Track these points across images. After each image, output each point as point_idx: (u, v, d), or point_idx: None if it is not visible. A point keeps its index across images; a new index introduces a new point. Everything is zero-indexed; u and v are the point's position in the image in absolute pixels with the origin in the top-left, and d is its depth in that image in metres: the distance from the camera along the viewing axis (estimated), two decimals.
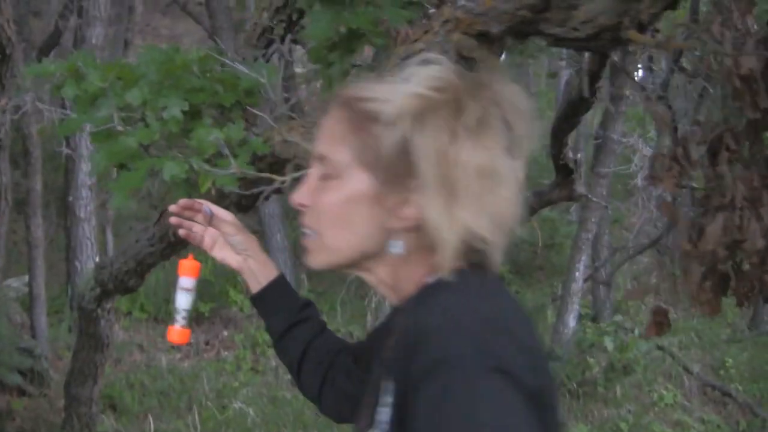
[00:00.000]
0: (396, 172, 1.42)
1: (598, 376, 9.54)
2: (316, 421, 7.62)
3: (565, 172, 5.25)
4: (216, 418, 7.42)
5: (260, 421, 7.33)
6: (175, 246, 4.38)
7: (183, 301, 2.01)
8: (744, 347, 11.11)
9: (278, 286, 2.02)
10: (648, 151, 9.04)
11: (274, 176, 2.59)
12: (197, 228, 2.00)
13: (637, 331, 9.84)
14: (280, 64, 3.55)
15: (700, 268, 3.02)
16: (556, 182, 5.46)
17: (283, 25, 3.42)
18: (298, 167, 2.90)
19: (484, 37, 1.89)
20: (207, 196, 2.89)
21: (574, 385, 9.37)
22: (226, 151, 2.78)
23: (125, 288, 5.08)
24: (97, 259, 8.69)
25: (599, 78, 4.38)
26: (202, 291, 10.00)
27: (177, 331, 2.02)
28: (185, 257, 2.03)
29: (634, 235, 10.95)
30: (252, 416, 7.26)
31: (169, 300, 9.79)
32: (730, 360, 10.51)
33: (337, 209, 1.48)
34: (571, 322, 10.34)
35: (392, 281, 1.51)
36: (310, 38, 2.77)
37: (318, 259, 1.55)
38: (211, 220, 1.98)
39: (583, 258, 10.17)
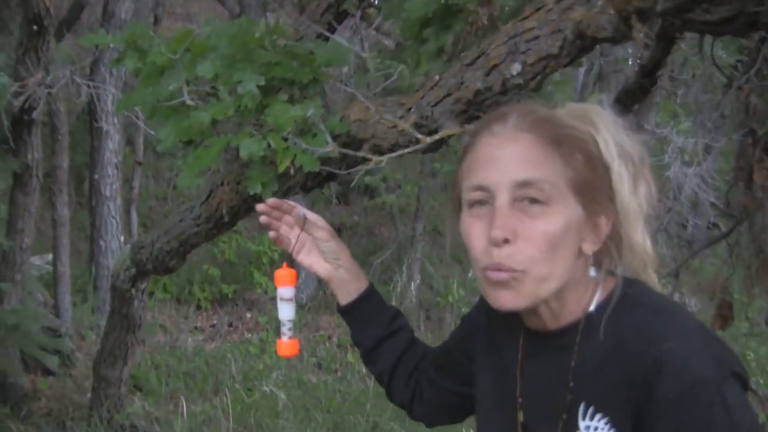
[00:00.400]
0: (594, 199, 1.43)
1: None
2: (342, 405, 7.53)
3: None
4: (244, 401, 7.29)
5: (291, 405, 7.21)
6: (223, 227, 4.27)
7: (287, 312, 1.97)
8: (764, 341, 10.99)
9: (369, 297, 1.96)
10: (680, 143, 8.89)
11: (370, 155, 2.45)
12: (284, 230, 1.93)
13: None
14: (353, 40, 3.40)
15: None
16: None
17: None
18: (376, 148, 2.77)
19: (638, 15, 1.74)
20: (284, 175, 2.77)
21: None
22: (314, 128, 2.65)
23: (165, 268, 4.96)
24: (122, 239, 8.57)
25: (661, 66, 4.23)
26: (225, 273, 9.90)
27: (286, 344, 1.98)
28: (280, 266, 1.96)
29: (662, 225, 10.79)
30: (284, 400, 7.13)
31: (192, 281, 9.69)
32: (751, 353, 10.38)
33: (553, 236, 1.40)
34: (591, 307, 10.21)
35: (559, 307, 1.47)
36: (399, 14, 2.61)
37: (522, 296, 1.43)
38: (303, 224, 1.90)
39: None
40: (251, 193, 2.85)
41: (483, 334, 1.70)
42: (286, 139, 2.67)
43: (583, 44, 2.12)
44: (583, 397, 1.41)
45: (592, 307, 1.44)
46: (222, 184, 3.78)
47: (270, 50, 2.91)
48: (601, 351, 1.39)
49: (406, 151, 2.45)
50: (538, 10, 2.21)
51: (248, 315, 9.98)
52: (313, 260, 1.93)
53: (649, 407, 1.30)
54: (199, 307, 9.88)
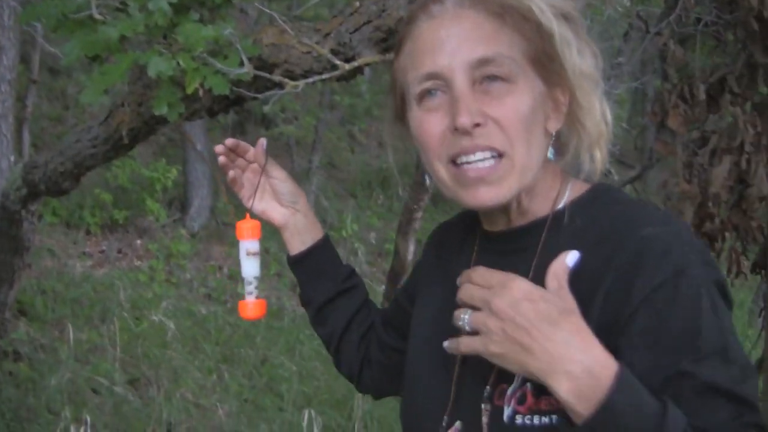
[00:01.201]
0: (551, 70, 1.31)
1: None
2: (232, 337, 7.49)
3: None
4: (132, 330, 7.19)
5: (179, 335, 7.13)
6: (121, 149, 4.13)
7: (251, 268, 1.75)
8: None
9: (324, 247, 1.81)
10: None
11: (285, 80, 2.37)
12: (238, 173, 1.80)
13: None
14: None
15: (691, 209, 2.96)
16: None
17: None
18: (289, 73, 2.70)
19: None
20: (191, 97, 2.68)
21: None
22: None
23: (58, 190, 4.78)
24: (12, 158, 8.27)
25: None
26: (117, 198, 9.68)
27: (252, 305, 1.76)
28: (242, 218, 1.76)
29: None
30: (172, 330, 7.05)
31: (83, 205, 9.44)
32: None
33: (526, 116, 1.28)
34: None
35: (528, 201, 1.36)
36: None
37: (507, 187, 1.29)
38: (266, 161, 1.75)
39: None
40: (157, 113, 2.75)
41: (431, 266, 1.60)
42: (196, 59, 2.57)
43: None
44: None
45: (561, 204, 1.35)
46: (122, 104, 3.65)
47: None
48: (567, 247, 1.25)
49: (321, 77, 2.39)
50: None
51: (138, 242, 9.79)
52: (266, 205, 1.79)
53: (626, 301, 1.18)
54: (88, 233, 9.64)
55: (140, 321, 7.53)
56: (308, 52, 2.65)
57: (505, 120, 1.26)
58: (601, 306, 1.19)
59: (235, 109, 4.18)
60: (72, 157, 4.39)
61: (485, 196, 1.28)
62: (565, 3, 1.32)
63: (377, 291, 8.81)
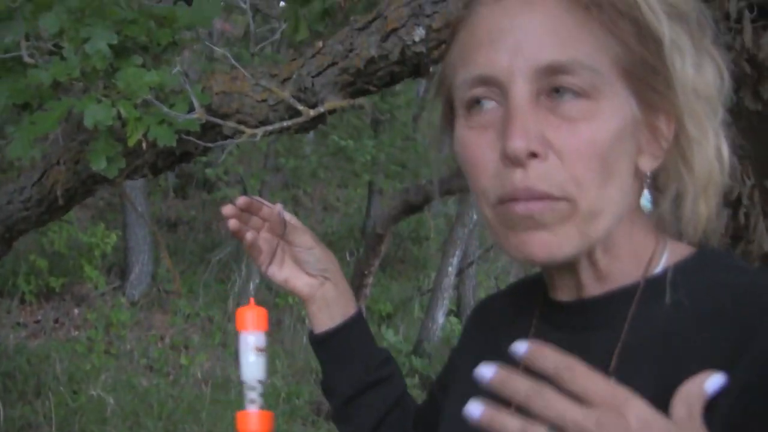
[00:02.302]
0: (653, 88, 0.95)
1: None
2: (175, 411, 7.15)
3: None
4: (68, 405, 6.81)
5: (119, 410, 6.76)
6: (56, 211, 3.85)
7: (255, 368, 1.37)
8: None
9: (356, 326, 1.46)
10: None
11: (243, 128, 2.11)
12: (251, 235, 1.42)
13: None
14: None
15: None
16: (458, 171, 5.21)
17: None
18: (242, 124, 2.45)
19: None
20: (132, 152, 2.44)
21: None
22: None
23: None
24: None
25: None
26: (53, 265, 9.31)
27: (255, 418, 1.35)
28: (245, 304, 1.41)
29: None
30: (112, 405, 6.67)
31: (17, 272, 9.04)
32: None
33: (604, 151, 0.92)
34: (440, 317, 10.20)
35: (607, 263, 1.00)
36: None
37: (565, 241, 0.93)
38: (285, 226, 1.41)
39: (457, 252, 10.00)
40: (94, 168, 2.47)
41: (473, 343, 1.26)
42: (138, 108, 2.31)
43: None
44: (636, 387, 0.86)
45: (658, 269, 1.00)
46: (58, 162, 3.38)
47: (125, 7, 2.54)
48: (669, 327, 0.94)
49: (283, 124, 2.12)
50: None
51: (76, 311, 9.38)
52: (289, 273, 1.44)
53: (763, 405, 0.83)
54: (23, 301, 9.20)
55: (77, 395, 7.14)
56: (263, 101, 2.41)
57: (574, 153, 0.92)
58: (732, 404, 0.85)
59: (179, 168, 3.93)
60: (3, 220, 4.09)
61: (535, 242, 0.94)
62: (686, 3, 0.97)
63: None
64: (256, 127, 2.40)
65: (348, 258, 11.35)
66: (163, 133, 2.29)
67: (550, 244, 0.93)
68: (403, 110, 11.66)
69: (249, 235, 1.41)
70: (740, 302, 0.89)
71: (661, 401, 0.84)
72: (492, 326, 1.22)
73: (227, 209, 1.41)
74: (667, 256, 1.00)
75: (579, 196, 0.91)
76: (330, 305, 1.44)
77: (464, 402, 1.09)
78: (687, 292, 0.95)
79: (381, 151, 10.88)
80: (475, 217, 9.96)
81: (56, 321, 9.15)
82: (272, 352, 8.78)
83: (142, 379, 7.90)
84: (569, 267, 1.00)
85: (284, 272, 1.43)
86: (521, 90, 0.91)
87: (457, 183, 5.58)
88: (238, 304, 9.45)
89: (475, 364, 1.14)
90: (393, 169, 11.71)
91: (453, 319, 10.76)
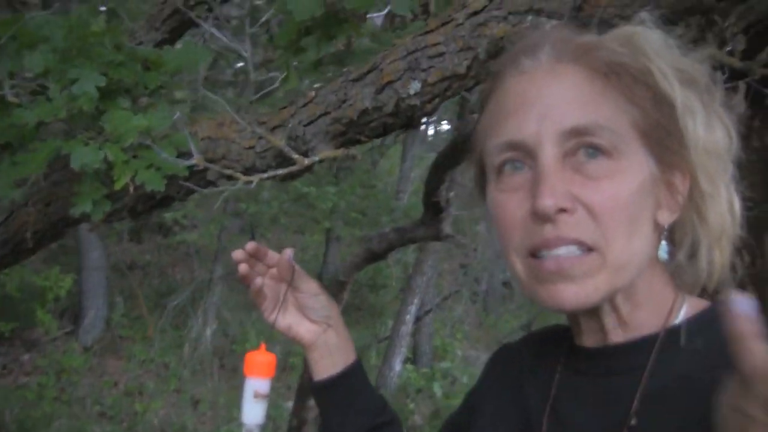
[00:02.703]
0: (668, 147, 1.03)
1: (421, 422, 9.38)
2: None
3: (434, 211, 5.05)
4: None
5: None
6: (22, 254, 3.78)
7: (257, 413, 1.43)
8: None
9: (357, 372, 1.50)
10: None
11: (238, 175, 2.10)
12: (260, 280, 1.45)
13: (465, 379, 9.76)
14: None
15: None
16: (422, 220, 5.22)
17: (205, 6, 2.94)
18: (226, 170, 2.43)
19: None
20: (115, 195, 2.42)
21: None
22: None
23: None
24: None
25: None
26: (3, 309, 9.15)
27: None
28: (255, 348, 1.46)
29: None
30: None
31: None
32: None
33: (629, 203, 1.00)
34: (398, 365, 10.19)
35: (629, 311, 1.07)
36: (287, 16, 2.28)
37: (594, 287, 1.00)
38: (293, 274, 1.44)
39: (415, 300, 10.01)
40: (78, 212, 2.44)
41: (495, 388, 1.30)
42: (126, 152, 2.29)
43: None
44: (652, 428, 1.00)
45: (678, 320, 1.06)
46: (26, 204, 3.33)
47: (110, 49, 2.53)
48: (688, 377, 1.00)
49: (280, 171, 2.12)
50: (444, 24, 1.94)
51: (26, 357, 9.22)
52: (292, 320, 1.47)
53: None
54: None
55: None
56: (250, 147, 2.40)
57: (600, 207, 0.99)
58: None
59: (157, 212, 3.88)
60: None
61: (565, 294, 1.00)
62: (692, 66, 1.06)
63: (283, 407, 8.44)
64: (244, 173, 2.40)
65: None
66: (151, 177, 2.27)
67: (578, 295, 1.00)
68: (365, 158, 11.74)
69: (258, 281, 1.44)
70: None
71: None
72: (514, 372, 1.26)
73: (238, 254, 1.43)
74: (686, 308, 1.07)
75: (607, 248, 0.99)
76: (332, 352, 1.47)
77: None
78: (705, 342, 1.00)
79: (342, 198, 10.93)
80: (430, 264, 10.00)
81: (4, 367, 9.01)
82: (231, 398, 8.71)
83: (96, 427, 7.80)
84: (594, 313, 1.06)
85: (287, 319, 1.46)
86: (549, 153, 1.00)
87: (420, 232, 5.57)
88: (194, 350, 9.36)
89: (498, 408, 1.22)
90: (353, 216, 11.75)
91: (409, 367, 10.77)
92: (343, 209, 11.30)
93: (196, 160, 2.06)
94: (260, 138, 2.38)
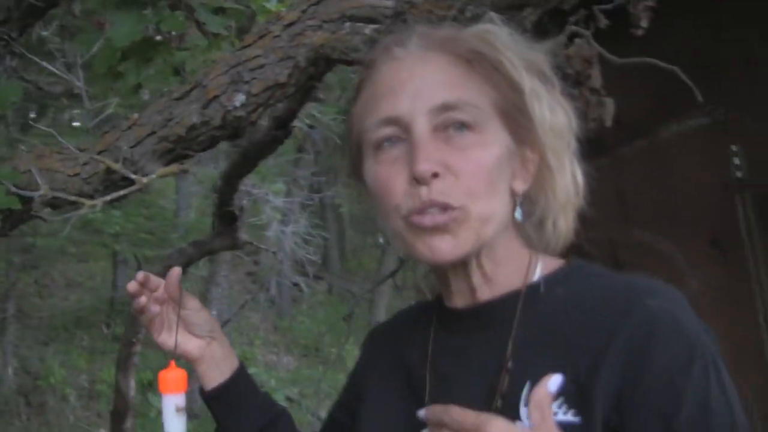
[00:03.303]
0: (521, 125, 1.22)
1: None
2: None
3: (228, 220, 5.10)
4: None
5: None
6: None
7: (179, 426, 1.49)
8: None
9: (244, 376, 1.60)
10: (281, 203, 9.14)
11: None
12: (155, 307, 1.52)
13: (273, 382, 9.86)
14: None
15: None
16: (218, 231, 5.27)
17: (3, 43, 2.94)
18: (54, 200, 2.48)
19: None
20: None
21: None
22: None
23: None
24: None
25: (296, 116, 4.24)
26: None
27: None
28: (164, 366, 1.51)
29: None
30: None
31: None
32: None
33: (488, 171, 1.18)
34: None
35: (492, 269, 1.24)
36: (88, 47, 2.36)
37: (464, 241, 1.17)
38: (180, 293, 1.51)
39: (214, 312, 10.04)
40: None
41: (376, 364, 1.46)
42: None
43: (316, 70, 2.05)
44: (526, 377, 1.15)
45: (535, 277, 1.24)
46: None
47: None
48: (551, 323, 1.18)
49: (120, 193, 2.21)
50: (262, 37, 2.10)
51: None
52: (180, 338, 1.53)
53: (639, 378, 1.08)
54: None
55: None
56: (75, 174, 2.46)
57: (466, 172, 1.17)
58: (607, 380, 1.10)
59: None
60: None
61: (441, 245, 1.17)
62: (538, 57, 1.26)
63: None
64: (69, 201, 2.45)
65: (105, 330, 11.08)
66: None
67: (452, 245, 1.17)
68: None
69: (153, 308, 1.51)
70: (608, 299, 1.16)
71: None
72: (392, 345, 1.42)
73: (132, 286, 1.51)
74: (541, 266, 1.26)
75: (471, 205, 1.17)
76: (218, 362, 1.56)
77: (378, 416, 1.35)
78: (564, 293, 1.21)
79: (128, 221, 10.77)
80: (224, 275, 10.05)
81: None
82: None
83: None
84: (463, 270, 1.24)
85: (173, 338, 1.53)
86: (422, 126, 1.17)
87: (217, 243, 5.64)
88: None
89: (383, 380, 1.41)
90: (141, 237, 11.59)
91: None
92: (131, 231, 11.15)
93: (44, 190, 2.11)
94: (84, 164, 2.45)
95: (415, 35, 1.25)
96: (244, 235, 5.27)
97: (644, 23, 2.35)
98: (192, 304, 1.54)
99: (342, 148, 1.41)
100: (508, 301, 1.24)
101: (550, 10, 2.10)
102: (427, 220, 1.16)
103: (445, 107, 1.18)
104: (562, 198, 1.26)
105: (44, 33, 3.71)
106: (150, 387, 10.54)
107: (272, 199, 9.00)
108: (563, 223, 1.27)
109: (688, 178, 2.96)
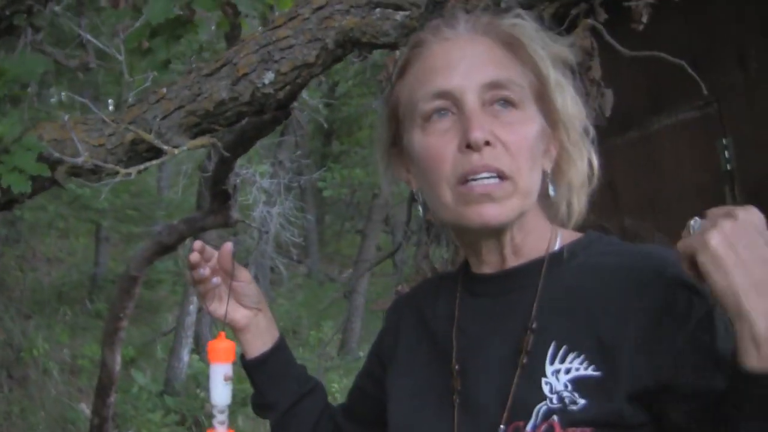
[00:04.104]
0: (550, 109, 1.33)
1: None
2: None
3: (222, 198, 5.16)
4: None
5: None
6: None
7: (223, 395, 1.53)
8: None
9: (285, 348, 1.67)
10: (267, 184, 9.19)
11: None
12: (216, 279, 1.58)
13: None
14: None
15: None
16: (211, 209, 5.34)
17: (24, 15, 3.04)
18: (75, 169, 2.59)
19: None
20: None
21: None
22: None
23: None
24: None
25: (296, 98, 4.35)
26: None
27: None
28: (214, 337, 1.56)
29: None
30: None
31: None
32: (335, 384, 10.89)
33: (532, 145, 1.28)
34: (185, 356, 10.26)
35: (521, 239, 1.34)
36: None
37: (511, 207, 1.26)
38: (233, 267, 1.56)
39: None
40: None
41: (403, 331, 1.52)
42: None
43: (343, 52, 2.17)
44: (551, 337, 1.25)
45: (556, 246, 1.34)
46: None
47: None
48: (573, 287, 1.28)
49: (152, 162, 2.32)
50: (291, 18, 2.22)
51: None
52: (231, 308, 1.58)
53: (679, 332, 1.16)
54: None
55: None
56: (101, 145, 2.56)
57: (513, 145, 1.25)
58: (635, 340, 1.18)
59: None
60: None
61: (490, 212, 1.25)
62: (563, 50, 1.37)
63: (77, 410, 8.39)
64: (92, 171, 2.56)
65: (89, 305, 11.16)
66: (16, 179, 2.39)
67: (501, 212, 1.26)
68: None
69: (215, 279, 1.56)
70: (628, 267, 1.26)
71: (574, 341, 1.23)
72: (417, 312, 1.50)
73: (195, 257, 1.54)
74: (561, 237, 1.37)
75: (518, 177, 1.26)
76: (263, 332, 1.63)
77: (409, 381, 1.42)
78: (584, 261, 1.32)
79: (117, 197, 10.84)
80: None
81: None
82: (25, 407, 8.52)
83: None
84: (497, 239, 1.32)
85: (224, 306, 1.59)
86: (473, 100, 1.26)
87: (210, 220, 5.68)
88: None
89: (410, 346, 1.48)
90: (129, 214, 11.65)
91: (194, 356, 10.83)
92: (118, 207, 11.21)
93: (85, 158, 2.22)
94: (110, 135, 2.56)
95: (462, 19, 1.36)
96: (236, 214, 5.37)
97: (644, 19, 2.50)
98: (243, 276, 1.61)
99: (379, 124, 1.48)
100: (533, 267, 1.33)
101: (565, 4, 2.24)
102: (479, 188, 1.25)
103: (494, 85, 1.27)
104: (578, 180, 1.37)
105: (56, 8, 3.79)
106: (132, 363, 10.63)
107: (258, 180, 9.07)
108: (576, 204, 1.38)
109: (678, 170, 3.09)
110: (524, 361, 1.25)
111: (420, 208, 1.40)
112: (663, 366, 1.16)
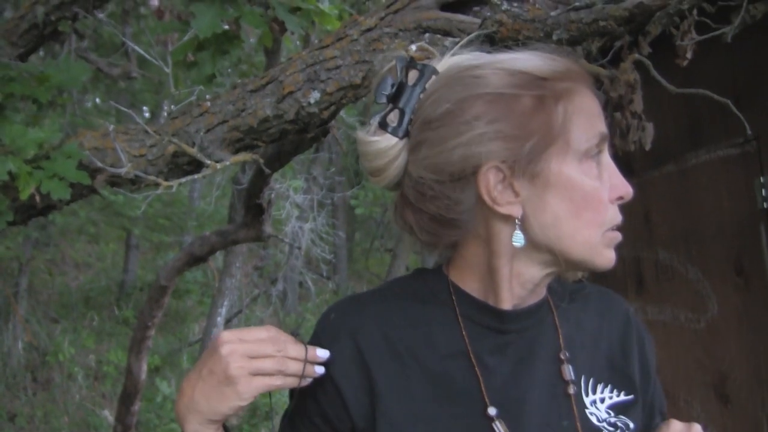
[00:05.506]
0: None
1: (237, 422, 9.48)
2: None
3: (256, 212, 5.16)
4: None
5: None
6: None
7: None
8: None
9: None
10: (300, 200, 9.22)
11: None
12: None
13: None
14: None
15: None
16: (244, 222, 5.36)
17: (69, 22, 3.08)
18: (115, 178, 2.62)
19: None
20: (29, 205, 2.55)
21: None
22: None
23: None
24: None
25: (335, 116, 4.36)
26: None
27: None
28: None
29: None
30: None
31: None
32: None
33: None
34: None
35: None
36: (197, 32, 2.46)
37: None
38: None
39: (225, 302, 10.11)
40: None
41: (377, 368, 1.29)
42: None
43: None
44: (578, 370, 1.32)
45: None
46: None
47: None
48: (576, 321, 1.40)
49: (194, 176, 2.34)
50: (339, 39, 2.24)
51: None
52: None
53: (646, 357, 1.42)
54: None
55: None
56: (141, 155, 2.59)
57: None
58: (634, 362, 1.41)
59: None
60: None
61: (614, 257, 1.31)
62: None
63: (100, 416, 8.41)
64: (131, 181, 2.58)
65: (117, 312, 11.21)
66: (56, 186, 2.42)
67: (614, 257, 1.31)
68: None
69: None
70: (607, 303, 1.46)
71: (596, 372, 1.35)
72: (394, 343, 1.32)
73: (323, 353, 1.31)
74: None
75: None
76: None
77: (418, 421, 1.25)
78: (582, 300, 1.44)
79: (150, 206, 10.92)
80: (238, 266, 10.14)
81: None
82: (48, 410, 8.57)
83: None
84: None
85: None
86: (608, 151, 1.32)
87: (242, 234, 5.68)
88: (5, 366, 9.11)
89: (392, 380, 1.28)
90: (160, 222, 11.73)
91: None
92: (151, 215, 11.30)
93: (128, 168, 2.24)
94: (151, 146, 2.58)
95: (586, 75, 1.36)
96: (269, 228, 5.38)
97: (689, 55, 2.49)
98: None
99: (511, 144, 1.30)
100: (544, 304, 1.37)
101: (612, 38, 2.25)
102: (618, 238, 1.30)
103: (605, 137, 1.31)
104: None
105: (101, 16, 3.83)
106: (158, 372, 10.65)
107: (292, 195, 9.10)
108: None
109: (714, 206, 3.08)
110: (571, 391, 1.30)
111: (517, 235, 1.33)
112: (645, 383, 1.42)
